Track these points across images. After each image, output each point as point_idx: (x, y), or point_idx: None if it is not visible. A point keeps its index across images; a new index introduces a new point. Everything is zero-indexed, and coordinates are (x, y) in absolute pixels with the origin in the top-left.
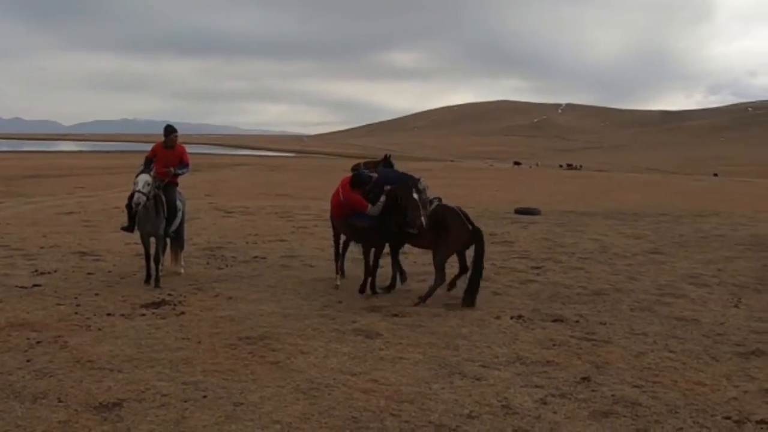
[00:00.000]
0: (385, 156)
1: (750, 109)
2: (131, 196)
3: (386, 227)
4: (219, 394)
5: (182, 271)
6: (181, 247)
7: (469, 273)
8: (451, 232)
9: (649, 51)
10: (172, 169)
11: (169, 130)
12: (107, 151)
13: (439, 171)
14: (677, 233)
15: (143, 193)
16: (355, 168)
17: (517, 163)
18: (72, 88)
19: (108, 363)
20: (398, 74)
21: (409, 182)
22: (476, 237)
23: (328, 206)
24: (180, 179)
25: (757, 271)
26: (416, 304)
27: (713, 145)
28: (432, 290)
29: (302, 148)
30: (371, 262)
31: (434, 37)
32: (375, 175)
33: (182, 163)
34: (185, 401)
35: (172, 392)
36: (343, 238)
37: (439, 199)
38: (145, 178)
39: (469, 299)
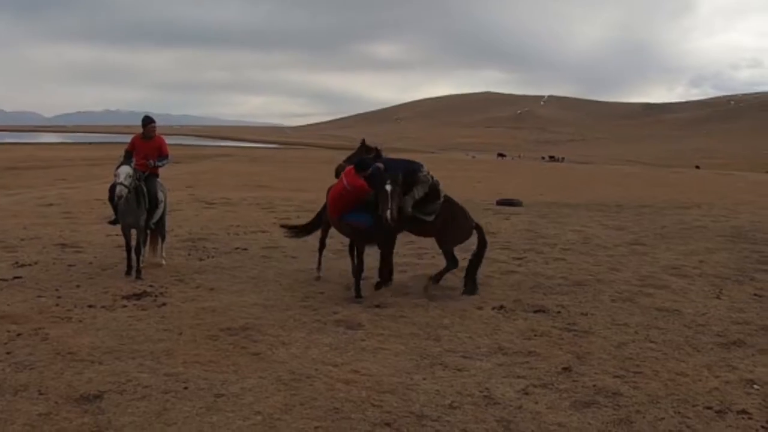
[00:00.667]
0: (362, 142)
1: (732, 102)
2: (112, 189)
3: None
4: (200, 386)
5: (163, 262)
6: (163, 239)
7: (471, 260)
8: (458, 225)
9: (631, 43)
10: (151, 162)
11: (147, 120)
12: (89, 143)
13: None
14: (659, 225)
15: (125, 186)
16: (339, 169)
17: (501, 155)
18: (53, 79)
19: (89, 355)
20: (380, 65)
21: (410, 169)
22: (479, 232)
23: (309, 197)
24: (161, 171)
25: (738, 262)
26: (426, 287)
27: (695, 138)
28: (444, 272)
29: (284, 139)
30: (386, 258)
31: (416, 29)
32: (380, 165)
33: (162, 154)
34: (166, 393)
35: (153, 384)
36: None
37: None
38: (126, 169)
39: (471, 286)
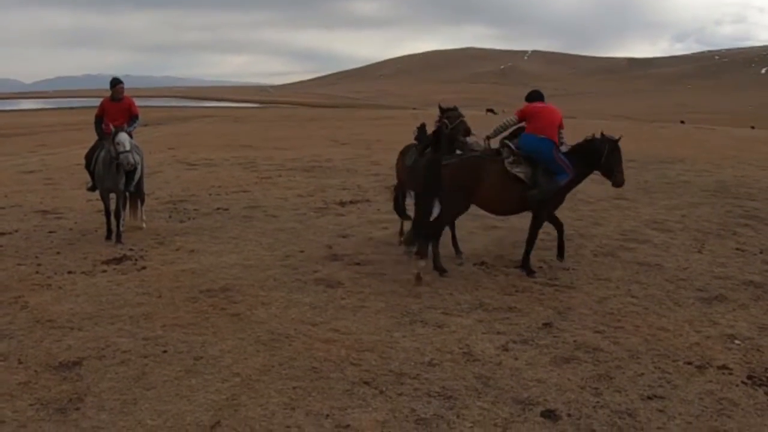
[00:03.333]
0: (438, 106)
1: (716, 57)
2: (89, 156)
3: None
4: (179, 349)
5: (144, 225)
6: (142, 201)
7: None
8: None
9: None
10: (124, 126)
11: (115, 82)
12: (70, 108)
13: (403, 119)
14: (642, 179)
15: (130, 152)
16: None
17: (490, 111)
18: (31, 45)
19: (68, 321)
20: (362, 22)
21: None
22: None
23: (291, 155)
24: (137, 132)
25: (720, 217)
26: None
27: (680, 93)
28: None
29: (267, 98)
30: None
31: None
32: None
33: (132, 115)
34: (145, 357)
35: (132, 348)
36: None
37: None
38: (126, 137)
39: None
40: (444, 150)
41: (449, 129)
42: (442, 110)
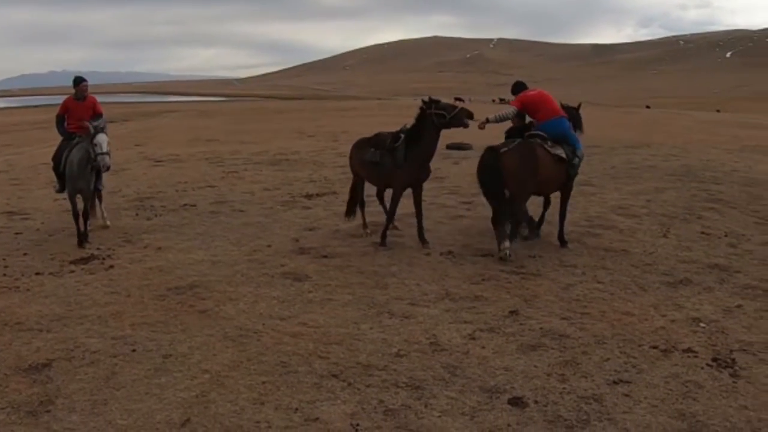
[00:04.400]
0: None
1: (681, 42)
2: (57, 157)
3: None
4: (148, 347)
5: (108, 223)
6: (100, 199)
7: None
8: None
9: None
10: (86, 123)
11: (78, 80)
12: (35, 106)
13: (366, 110)
14: (608, 165)
15: (107, 154)
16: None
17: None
18: None
19: (37, 323)
20: (327, 13)
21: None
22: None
23: (257, 149)
24: (108, 130)
25: (686, 201)
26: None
27: (645, 78)
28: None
29: (233, 92)
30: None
31: None
32: None
33: (96, 114)
34: (114, 357)
35: (101, 348)
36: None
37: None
38: (104, 138)
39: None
40: (432, 140)
41: (448, 118)
42: (432, 102)
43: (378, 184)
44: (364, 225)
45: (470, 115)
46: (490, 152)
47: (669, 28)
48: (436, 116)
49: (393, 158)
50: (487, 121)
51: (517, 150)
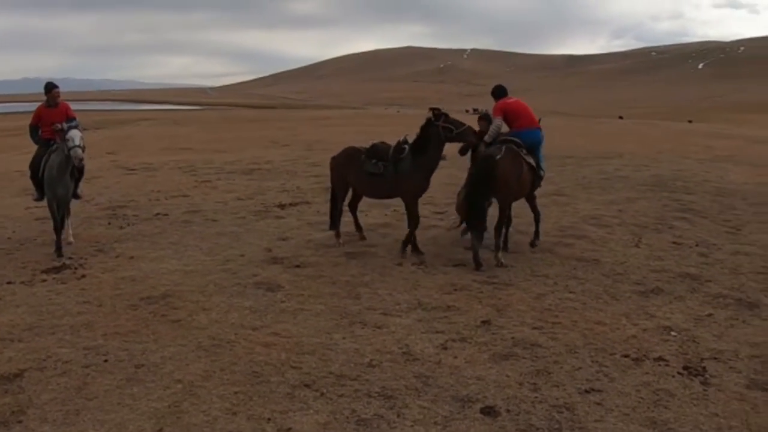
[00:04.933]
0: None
1: (654, 53)
2: (35, 165)
3: None
4: (120, 357)
5: (72, 240)
6: (68, 213)
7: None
8: None
9: None
10: (58, 125)
11: (50, 87)
12: (6, 113)
13: (341, 119)
14: (580, 175)
15: (80, 147)
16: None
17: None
18: None
19: (8, 333)
20: (301, 22)
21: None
22: None
23: (230, 158)
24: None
25: (657, 211)
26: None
27: (618, 89)
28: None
29: (207, 100)
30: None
31: None
32: None
33: (69, 118)
34: (87, 367)
35: (74, 358)
36: None
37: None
38: (77, 132)
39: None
40: (437, 152)
41: (455, 133)
42: (442, 114)
43: (374, 196)
44: (338, 235)
45: (477, 135)
46: (489, 159)
47: (642, 40)
48: (444, 129)
49: (398, 169)
50: (486, 143)
51: (508, 156)
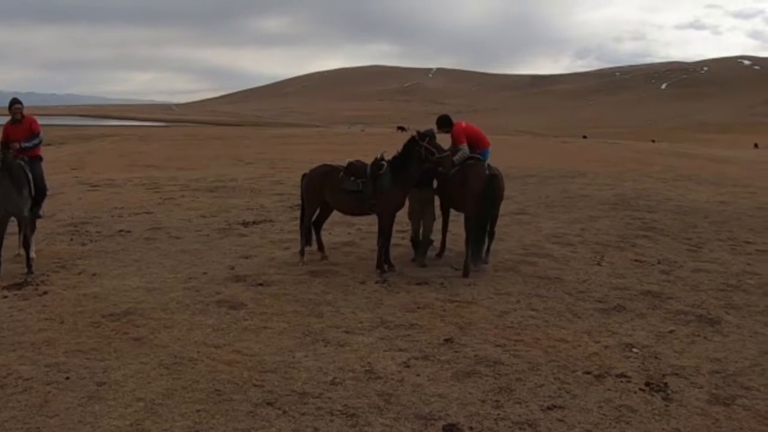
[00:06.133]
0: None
1: (617, 73)
2: None
3: None
4: (82, 375)
5: (33, 255)
6: (33, 230)
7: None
8: None
9: (515, 15)
10: (17, 144)
11: (11, 103)
12: None
13: (305, 138)
14: (543, 194)
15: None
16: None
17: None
18: None
19: None
20: (266, 40)
21: None
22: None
23: (195, 175)
24: (44, 153)
25: (619, 229)
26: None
27: (582, 109)
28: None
29: (171, 116)
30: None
31: (302, 2)
32: None
33: (34, 133)
34: (48, 384)
35: (35, 376)
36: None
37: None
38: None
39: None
40: (416, 170)
41: (436, 157)
42: (427, 135)
43: (350, 213)
44: (302, 253)
45: (453, 165)
46: (496, 179)
47: (605, 60)
48: (426, 150)
49: (377, 186)
50: (454, 165)
51: (498, 172)
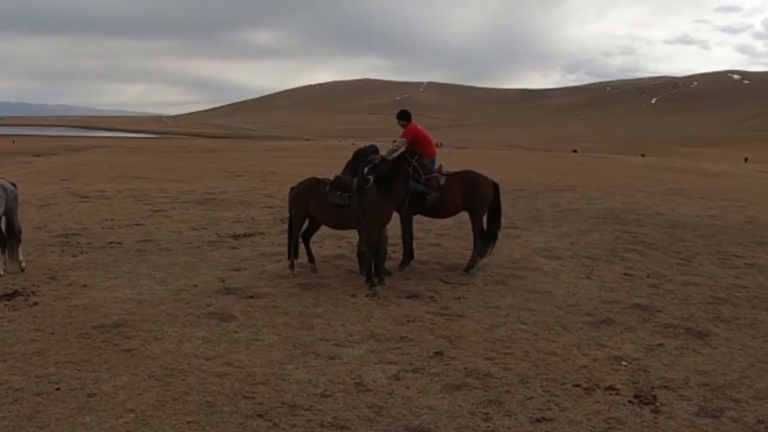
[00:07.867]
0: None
1: (608, 88)
2: None
3: None
4: (72, 386)
5: (24, 266)
6: (19, 241)
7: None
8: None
9: (506, 30)
10: None
11: None
12: None
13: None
14: (533, 208)
15: None
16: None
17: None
18: None
19: None
20: (258, 53)
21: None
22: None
23: (186, 187)
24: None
25: (609, 243)
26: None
27: (572, 123)
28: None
29: (163, 128)
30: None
31: (293, 15)
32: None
33: None
34: (38, 395)
35: (25, 386)
36: None
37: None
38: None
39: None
40: (403, 185)
41: (423, 178)
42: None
43: (337, 227)
44: (292, 266)
45: (438, 186)
46: (496, 186)
47: (595, 75)
48: (414, 170)
49: (363, 200)
50: (384, 159)
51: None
